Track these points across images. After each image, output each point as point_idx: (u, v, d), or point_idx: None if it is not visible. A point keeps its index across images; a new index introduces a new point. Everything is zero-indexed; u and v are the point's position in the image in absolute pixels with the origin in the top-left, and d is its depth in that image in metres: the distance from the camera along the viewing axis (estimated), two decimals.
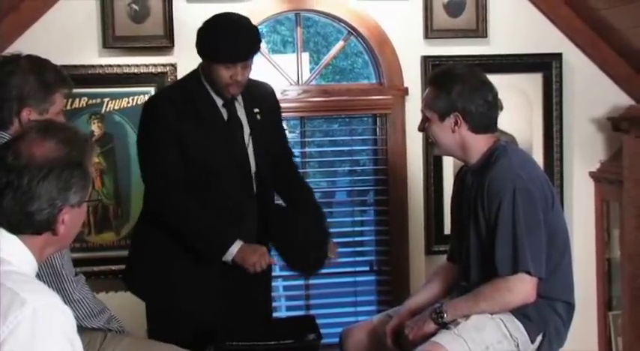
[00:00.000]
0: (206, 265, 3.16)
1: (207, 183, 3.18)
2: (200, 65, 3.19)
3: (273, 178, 3.34)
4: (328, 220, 3.67)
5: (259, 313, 3.36)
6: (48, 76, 2.68)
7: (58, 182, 1.87)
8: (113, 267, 3.96)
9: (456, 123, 2.89)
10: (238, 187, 3.22)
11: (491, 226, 2.81)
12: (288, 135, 3.81)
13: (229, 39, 3.06)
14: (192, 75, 3.24)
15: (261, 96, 3.32)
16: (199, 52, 3.14)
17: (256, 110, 3.25)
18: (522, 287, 2.77)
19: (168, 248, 3.19)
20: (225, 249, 3.08)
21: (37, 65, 2.68)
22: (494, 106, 2.96)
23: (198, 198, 3.16)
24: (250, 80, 3.27)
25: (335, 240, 3.91)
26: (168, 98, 3.25)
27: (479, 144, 2.93)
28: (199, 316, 3.17)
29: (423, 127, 3.00)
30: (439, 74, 3.02)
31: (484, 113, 2.93)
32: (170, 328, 3.22)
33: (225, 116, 3.18)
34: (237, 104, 3.21)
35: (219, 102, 3.17)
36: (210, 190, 3.18)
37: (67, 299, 2.54)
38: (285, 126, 3.63)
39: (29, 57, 2.70)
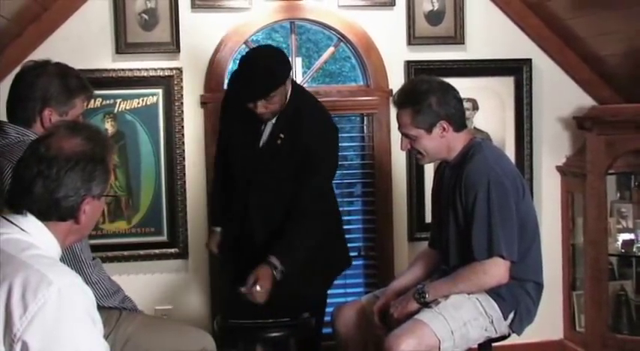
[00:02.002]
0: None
1: (230, 169, 3.39)
2: None
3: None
4: None
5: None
6: (71, 82, 2.69)
7: (83, 174, 1.91)
8: (125, 252, 3.98)
9: (443, 129, 2.91)
10: (243, 185, 3.31)
11: (469, 215, 2.85)
12: None
13: (239, 84, 3.14)
14: None
15: (297, 127, 3.23)
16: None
17: (281, 135, 3.23)
18: (497, 270, 2.81)
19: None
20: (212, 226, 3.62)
21: (63, 71, 2.70)
22: (462, 102, 3.01)
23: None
24: (308, 113, 3.28)
25: None
26: (233, 89, 3.39)
27: (458, 142, 2.96)
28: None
29: (407, 146, 2.99)
30: (409, 94, 2.96)
31: (460, 110, 2.97)
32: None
33: (255, 126, 3.27)
34: (269, 122, 3.26)
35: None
36: (231, 175, 3.38)
37: (86, 281, 2.52)
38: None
39: (57, 64, 2.72)
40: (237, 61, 3.20)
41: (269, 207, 3.29)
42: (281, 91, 3.15)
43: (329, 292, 4.22)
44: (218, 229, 3.60)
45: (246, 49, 4.00)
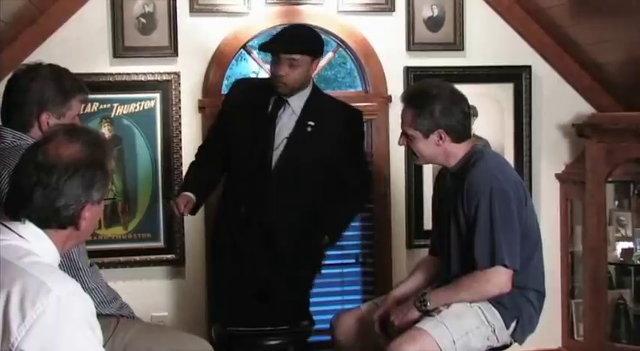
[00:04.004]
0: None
1: (232, 160, 3.36)
2: None
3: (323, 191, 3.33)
4: None
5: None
6: (66, 83, 2.65)
7: (83, 181, 1.87)
8: (121, 258, 3.94)
9: (440, 138, 2.87)
10: (253, 176, 3.28)
11: (471, 223, 2.82)
12: None
13: (272, 37, 3.29)
14: None
15: (329, 115, 3.32)
16: None
17: (311, 123, 3.27)
18: (499, 279, 2.78)
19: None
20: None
21: (57, 73, 2.66)
22: (469, 115, 2.97)
23: (225, 167, 3.42)
24: (335, 104, 3.43)
25: None
26: (243, 83, 3.58)
27: (459, 151, 2.92)
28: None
29: (403, 143, 2.97)
30: (416, 95, 2.94)
31: (463, 124, 2.92)
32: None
33: (268, 114, 3.28)
34: (289, 109, 3.29)
35: (272, 100, 3.29)
36: (232, 166, 3.37)
37: (83, 288, 2.51)
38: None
39: (50, 65, 2.68)
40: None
41: (291, 196, 3.29)
42: (306, 64, 3.22)
43: (325, 299, 4.24)
44: (188, 193, 3.34)
45: (244, 54, 4.04)
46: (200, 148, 3.59)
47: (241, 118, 3.32)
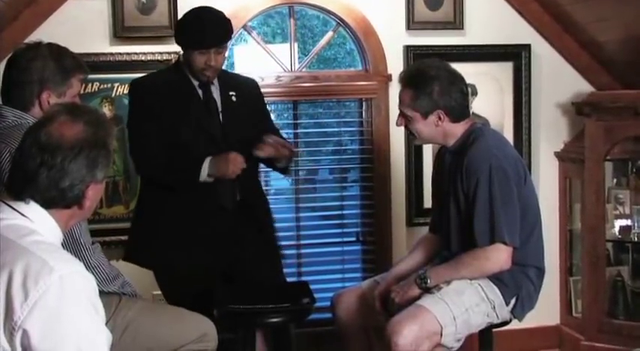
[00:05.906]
0: (200, 227, 3.14)
1: (181, 151, 3.14)
2: (181, 55, 3.25)
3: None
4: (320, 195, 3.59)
5: (263, 275, 3.28)
6: (66, 62, 2.65)
7: (87, 161, 1.86)
8: (122, 237, 3.91)
9: (439, 118, 2.86)
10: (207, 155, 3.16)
11: (470, 200, 2.81)
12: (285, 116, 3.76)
13: (201, 27, 3.09)
14: (174, 64, 3.41)
15: (239, 84, 3.33)
16: (177, 41, 3.21)
17: (232, 93, 3.25)
18: (499, 256, 2.78)
19: (162, 218, 3.20)
20: (198, 170, 3.07)
21: (56, 52, 2.65)
22: (467, 94, 2.95)
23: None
24: (234, 74, 3.45)
25: (322, 214, 3.89)
26: (148, 80, 3.31)
27: (457, 130, 2.92)
28: (197, 280, 3.15)
29: (401, 123, 2.96)
30: (415, 75, 2.92)
31: (461, 103, 2.91)
32: (174, 291, 3.24)
33: (202, 96, 3.20)
34: (212, 87, 3.23)
35: (196, 84, 3.19)
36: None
37: (85, 266, 2.50)
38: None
39: (49, 45, 2.67)
40: (184, 19, 3.17)
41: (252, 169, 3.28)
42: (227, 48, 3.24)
43: (326, 277, 4.24)
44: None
45: (244, 33, 4.02)
46: (150, 150, 3.16)
47: (177, 114, 3.15)
